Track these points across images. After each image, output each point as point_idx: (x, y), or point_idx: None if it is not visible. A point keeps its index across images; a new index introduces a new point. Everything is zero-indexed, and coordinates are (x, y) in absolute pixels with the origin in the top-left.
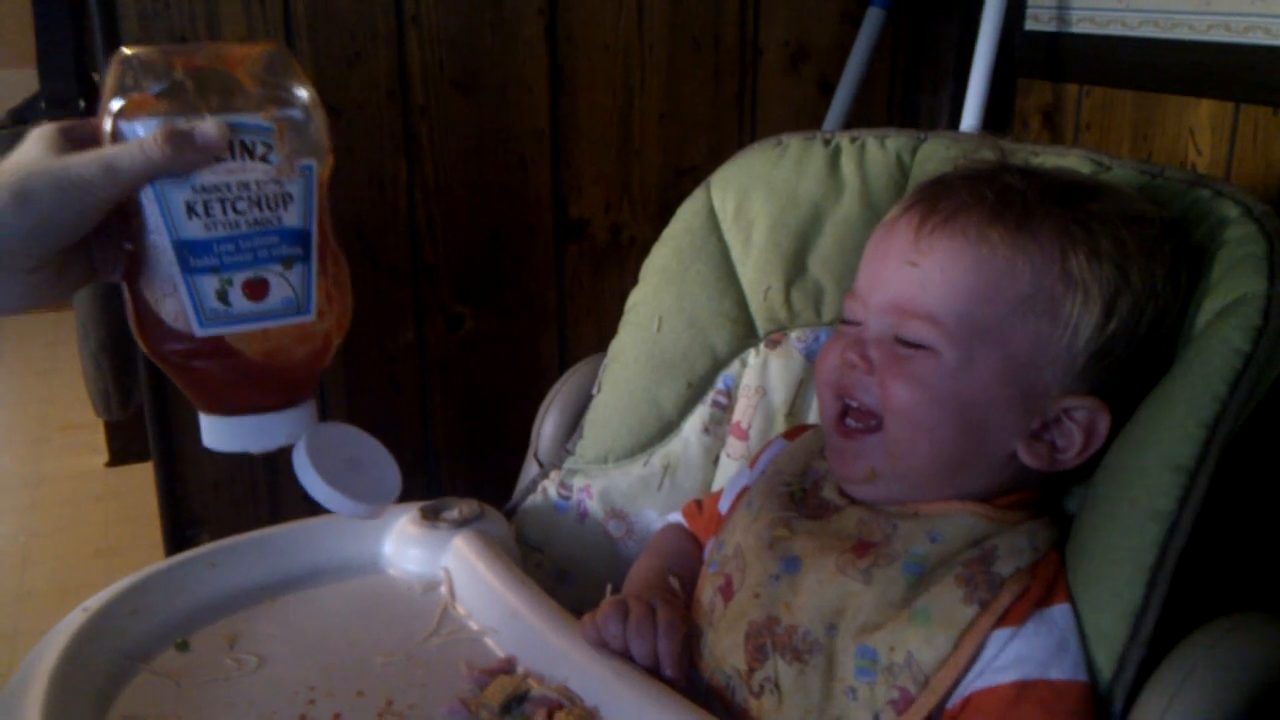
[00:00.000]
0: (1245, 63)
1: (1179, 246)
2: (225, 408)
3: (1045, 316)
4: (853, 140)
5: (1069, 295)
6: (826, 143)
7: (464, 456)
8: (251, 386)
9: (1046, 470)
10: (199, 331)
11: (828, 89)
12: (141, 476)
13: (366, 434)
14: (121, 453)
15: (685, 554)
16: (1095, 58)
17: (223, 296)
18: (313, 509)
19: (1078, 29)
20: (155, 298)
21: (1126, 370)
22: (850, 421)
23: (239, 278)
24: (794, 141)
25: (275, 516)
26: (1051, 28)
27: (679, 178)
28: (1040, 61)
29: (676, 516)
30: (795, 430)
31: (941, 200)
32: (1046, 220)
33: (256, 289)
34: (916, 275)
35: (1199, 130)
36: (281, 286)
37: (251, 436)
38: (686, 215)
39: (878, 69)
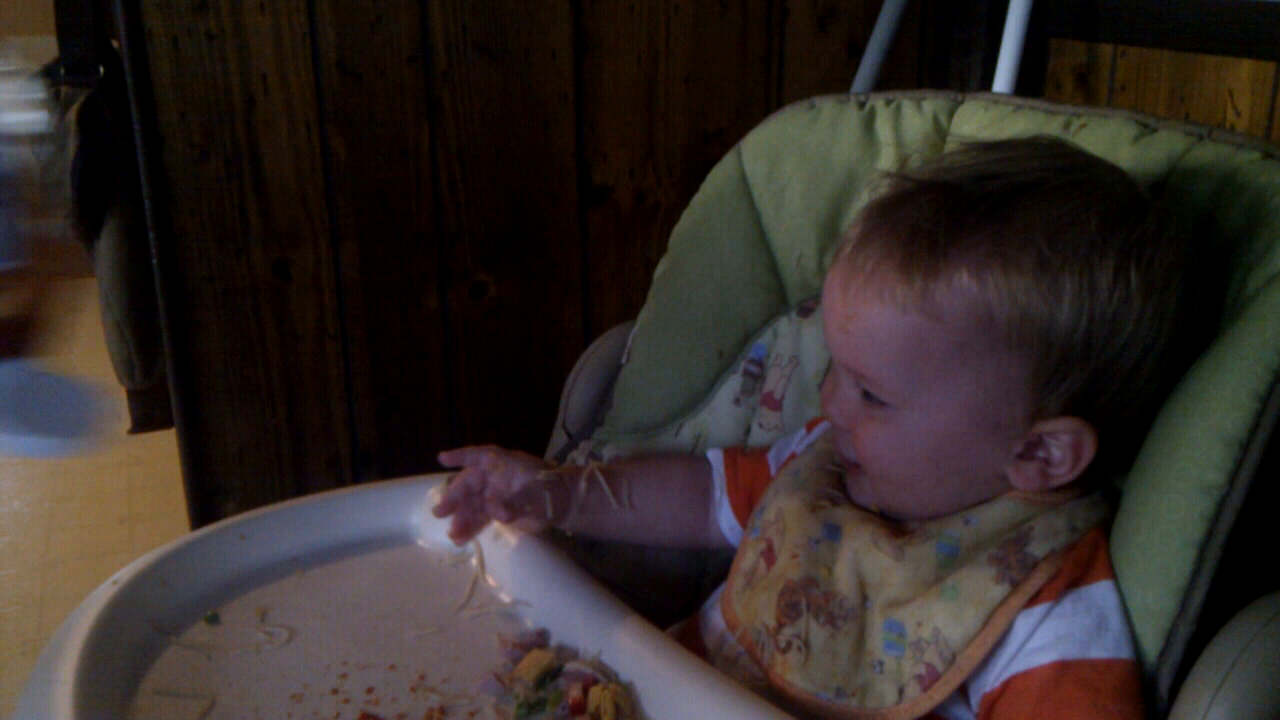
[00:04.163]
0: None
1: (1128, 239)
2: None
3: (985, 353)
4: (888, 103)
5: (1000, 327)
6: (861, 105)
7: (488, 425)
8: None
9: (1042, 488)
10: None
11: (856, 51)
12: (164, 443)
13: (65, 375)
14: (144, 419)
15: (658, 474)
16: (1131, 17)
17: None
18: (340, 478)
19: None
20: None
21: (1100, 383)
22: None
23: None
24: (827, 104)
25: (300, 485)
26: None
27: (705, 142)
28: (1074, 21)
29: (716, 453)
30: None
31: (861, 254)
32: (961, 260)
33: None
34: (851, 343)
35: (1238, 91)
36: None
37: None
38: (717, 181)
39: (907, 30)
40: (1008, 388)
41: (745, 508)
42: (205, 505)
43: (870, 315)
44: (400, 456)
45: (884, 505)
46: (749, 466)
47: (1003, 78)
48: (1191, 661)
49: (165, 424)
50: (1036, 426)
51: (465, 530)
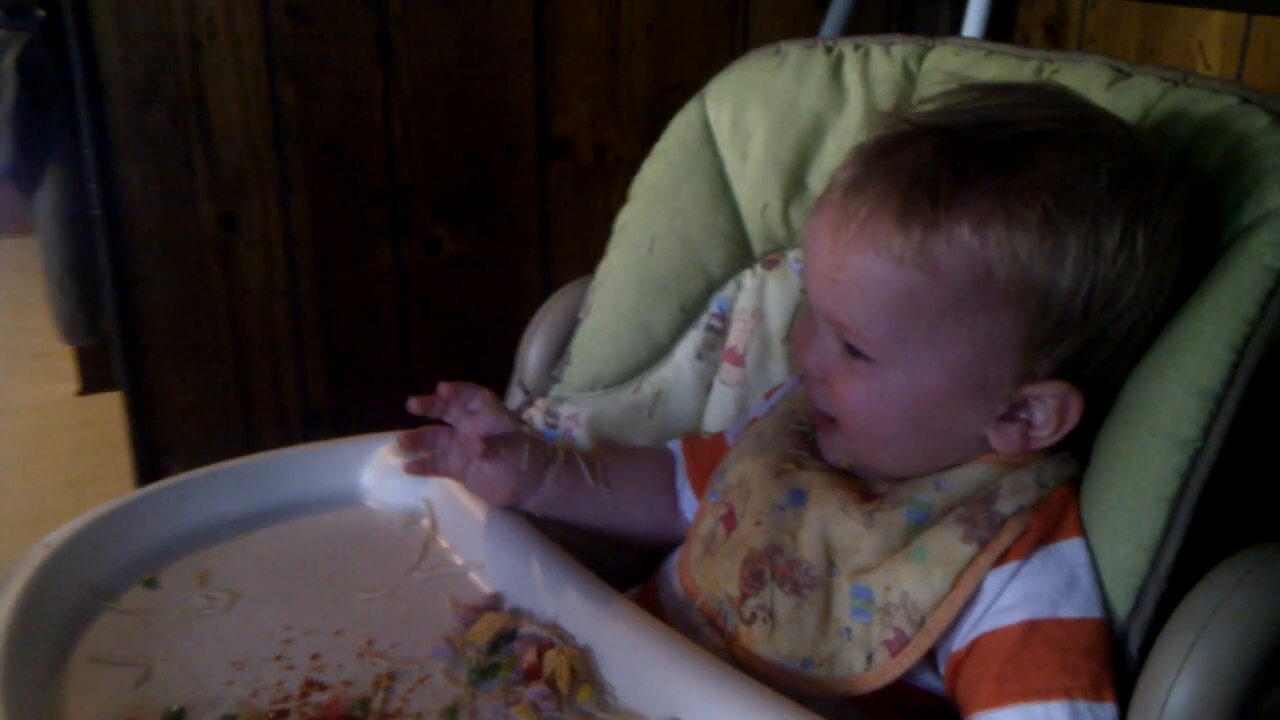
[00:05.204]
0: None
1: (1136, 200)
2: None
3: (979, 311)
4: (856, 48)
5: (998, 286)
6: (828, 50)
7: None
8: None
9: (1023, 451)
10: None
11: (823, 1)
12: (113, 405)
13: None
14: (94, 381)
15: (627, 455)
16: None
17: None
18: (290, 438)
19: None
20: None
21: (1091, 348)
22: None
23: None
24: (793, 50)
25: (249, 445)
26: None
27: (667, 93)
28: None
29: (675, 443)
30: None
31: (855, 200)
32: (962, 212)
33: None
34: (838, 293)
35: (1209, 44)
36: None
37: None
38: (679, 128)
39: None
40: (999, 348)
41: (705, 487)
42: (151, 466)
43: (862, 265)
44: (353, 415)
45: (856, 461)
46: (707, 449)
47: (971, 27)
48: (1163, 621)
49: (115, 385)
50: (1024, 389)
51: (423, 465)
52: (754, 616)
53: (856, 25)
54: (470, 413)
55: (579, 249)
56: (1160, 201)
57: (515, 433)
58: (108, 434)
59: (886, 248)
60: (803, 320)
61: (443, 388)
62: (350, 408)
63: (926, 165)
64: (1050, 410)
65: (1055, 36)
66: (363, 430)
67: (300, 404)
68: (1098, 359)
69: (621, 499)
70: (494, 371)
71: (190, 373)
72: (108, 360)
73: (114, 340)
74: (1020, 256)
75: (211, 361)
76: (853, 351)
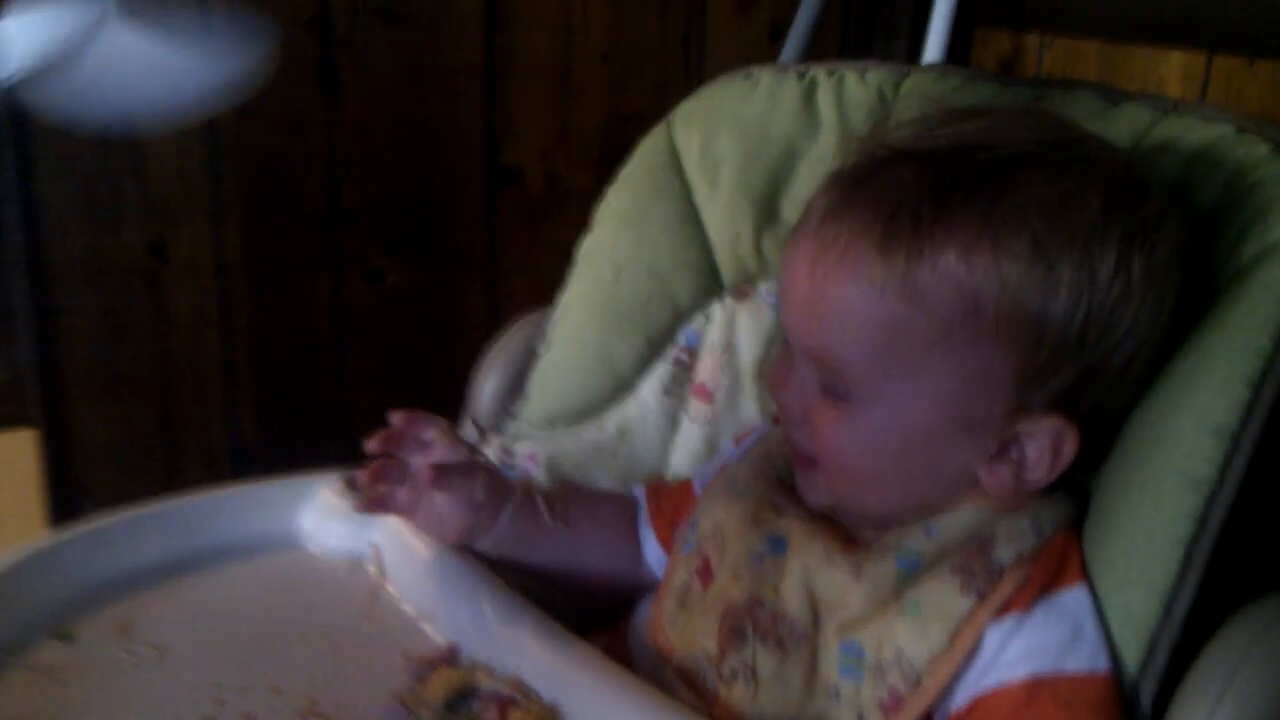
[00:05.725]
0: (1219, 11)
1: (1131, 224)
2: None
3: (968, 343)
4: (830, 73)
5: (987, 316)
6: (801, 76)
7: (384, 423)
8: None
9: (1016, 491)
10: None
11: (778, 34)
12: (23, 443)
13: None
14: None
15: (592, 500)
16: (1058, 5)
17: None
18: (217, 478)
19: None
20: None
21: (1088, 380)
22: (800, 450)
23: None
24: (765, 75)
25: (174, 485)
26: None
27: (621, 124)
28: (1000, 10)
29: (639, 490)
30: None
31: (832, 227)
32: (947, 240)
33: None
34: (818, 327)
35: (1169, 81)
36: None
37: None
38: (645, 154)
39: (829, 17)
40: (989, 382)
41: (670, 534)
42: (66, 507)
43: (842, 298)
44: (285, 456)
45: (839, 504)
46: (672, 495)
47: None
48: (1177, 671)
49: (17, 422)
50: (1016, 424)
51: (372, 503)
52: (735, 675)
53: (810, 59)
54: (423, 443)
55: (528, 283)
56: (1155, 225)
57: (470, 463)
58: (16, 473)
59: (868, 278)
60: (779, 355)
61: (395, 417)
62: (283, 447)
63: (908, 192)
64: (1044, 447)
65: (1012, 75)
66: (295, 471)
67: (229, 442)
68: (1094, 391)
69: (580, 540)
70: (438, 410)
71: (112, 408)
72: (18, 395)
73: (29, 373)
74: (1010, 285)
75: (135, 396)
76: (832, 388)
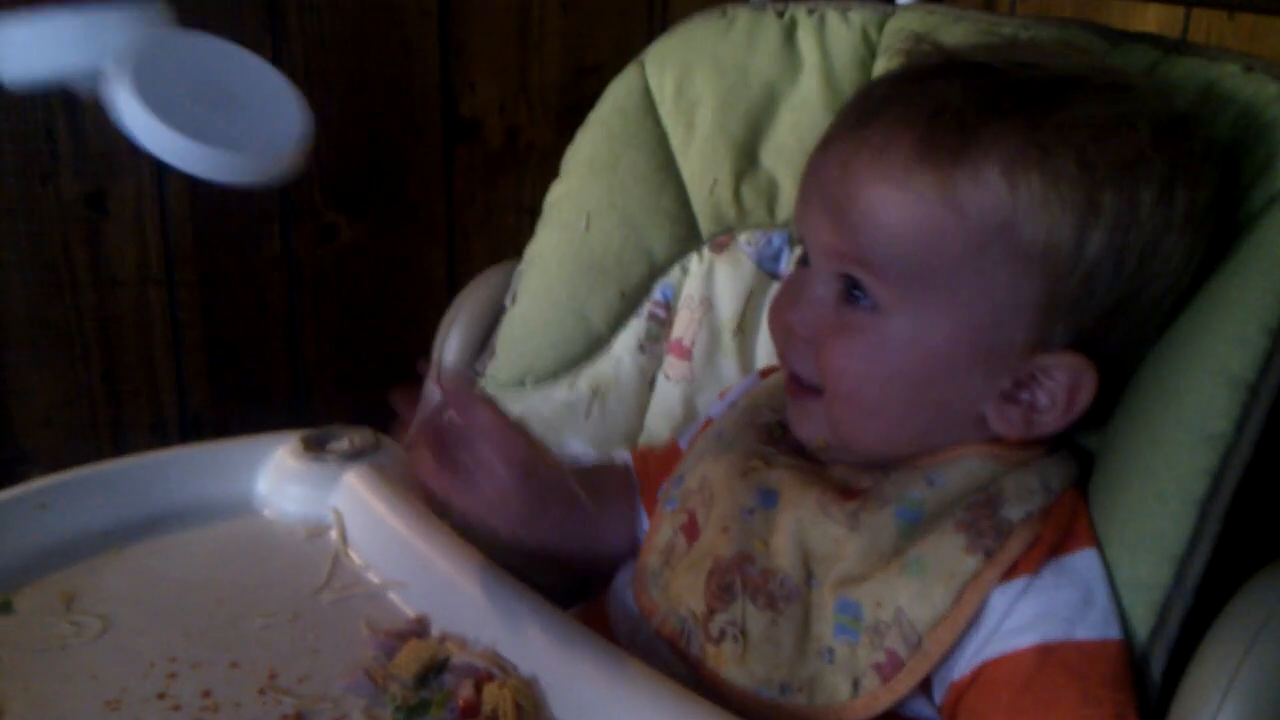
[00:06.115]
0: None
1: (1177, 155)
2: None
3: (1001, 262)
4: (810, 12)
5: (1024, 234)
6: (780, 15)
7: (338, 385)
8: None
9: (1024, 436)
10: None
11: None
12: None
13: (243, 51)
14: None
15: (599, 475)
16: None
17: None
18: (165, 444)
19: None
20: None
21: (1116, 317)
22: (800, 380)
23: None
24: (741, 13)
25: (119, 452)
26: None
27: (581, 77)
28: None
29: (624, 455)
30: (771, 369)
31: (869, 127)
32: (991, 146)
33: None
34: (849, 224)
35: None
36: None
37: (58, 48)
38: (617, 95)
39: None
40: (1016, 308)
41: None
42: (5, 475)
43: (878, 197)
44: (236, 420)
45: (835, 437)
46: (659, 458)
47: None
48: (1189, 640)
49: None
50: (1035, 358)
51: (436, 471)
52: (723, 634)
53: None
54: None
55: (487, 241)
56: (1200, 161)
57: (532, 440)
58: None
59: (907, 178)
60: (786, 279)
61: (446, 379)
62: (233, 410)
63: (954, 95)
64: (1060, 388)
65: (991, 9)
66: (245, 435)
67: (178, 406)
68: (1118, 331)
69: (604, 523)
70: (394, 371)
71: (51, 370)
72: None
73: None
74: (1051, 204)
75: (76, 358)
76: (853, 301)
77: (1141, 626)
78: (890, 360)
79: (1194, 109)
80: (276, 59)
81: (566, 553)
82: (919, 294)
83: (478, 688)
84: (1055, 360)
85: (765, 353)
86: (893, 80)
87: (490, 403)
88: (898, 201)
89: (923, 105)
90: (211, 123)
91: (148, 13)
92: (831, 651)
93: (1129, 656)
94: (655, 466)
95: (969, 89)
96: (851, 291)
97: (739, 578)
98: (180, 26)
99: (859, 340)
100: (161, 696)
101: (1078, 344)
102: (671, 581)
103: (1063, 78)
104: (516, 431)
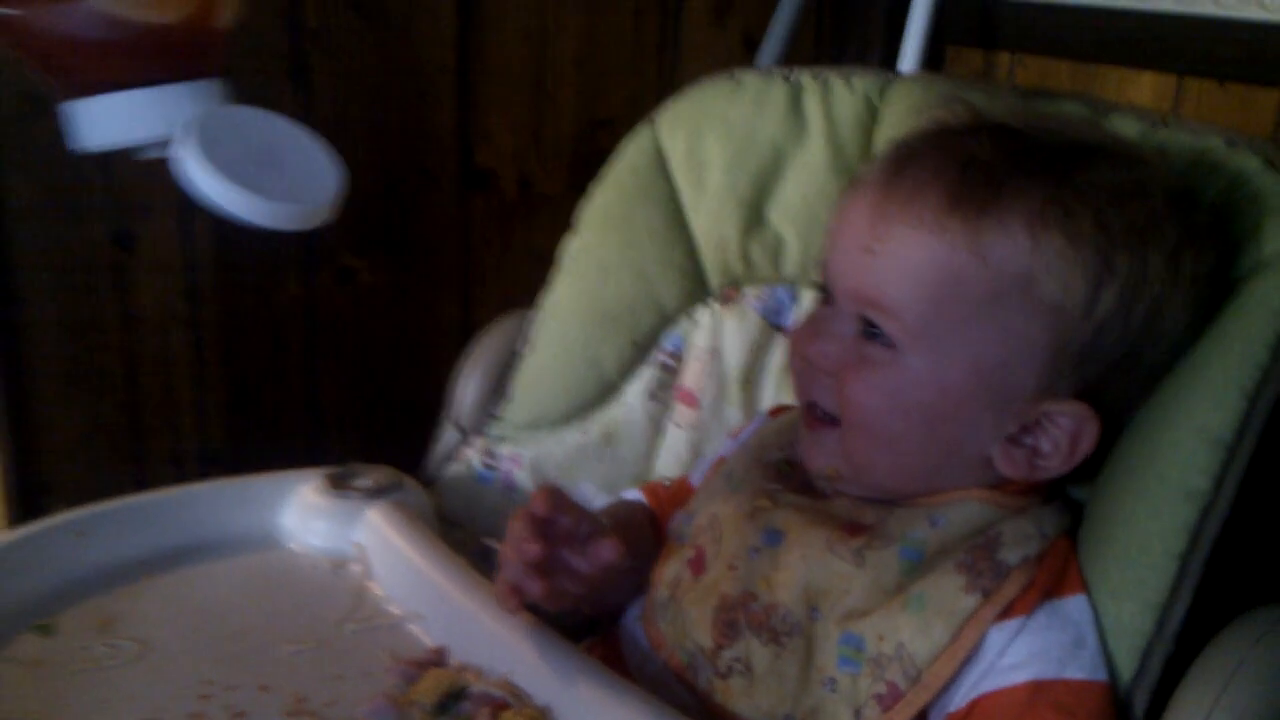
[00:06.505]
0: (1190, 33)
1: (1186, 224)
2: (99, 82)
3: (1018, 312)
4: (815, 78)
5: (1042, 287)
6: (786, 79)
7: (352, 425)
8: (126, 52)
9: (1027, 479)
10: None
11: (752, 45)
12: None
13: (286, 119)
14: None
15: (635, 524)
16: (1031, 25)
17: None
18: (183, 478)
19: None
20: None
21: (1119, 371)
22: (817, 411)
23: None
24: (750, 77)
25: (139, 485)
26: None
27: (594, 129)
28: (972, 28)
29: (635, 493)
30: (779, 409)
31: (902, 175)
32: (1016, 201)
33: None
34: (875, 265)
35: (1140, 102)
36: None
37: (131, 121)
38: (630, 155)
39: (802, 31)
40: (1029, 354)
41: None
42: (28, 505)
43: (907, 238)
44: (253, 456)
45: (847, 468)
46: (669, 492)
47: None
48: (1169, 684)
49: None
50: (1042, 404)
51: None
52: (730, 669)
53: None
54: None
55: (500, 287)
56: (1206, 229)
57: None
58: None
59: (936, 223)
60: (808, 316)
61: (539, 505)
62: (250, 447)
63: (984, 150)
64: (1063, 435)
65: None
66: (261, 471)
67: (197, 441)
68: (1120, 386)
69: (637, 572)
70: (407, 412)
71: (76, 404)
72: None
73: None
74: (1069, 260)
75: (100, 392)
76: (873, 338)
77: (1125, 670)
78: (906, 395)
79: (1189, 179)
80: (302, 110)
81: (611, 607)
82: (938, 335)
83: (494, 715)
84: (1061, 408)
85: (770, 403)
86: (926, 135)
87: (580, 510)
88: (926, 244)
89: (955, 157)
90: (263, 179)
91: (208, 89)
92: (834, 681)
93: (1114, 698)
94: (665, 500)
95: (998, 147)
96: (870, 329)
97: (743, 615)
98: (233, 100)
99: (877, 374)
100: (196, 716)
101: (1082, 394)
102: (678, 615)
103: (1084, 143)
104: (609, 535)
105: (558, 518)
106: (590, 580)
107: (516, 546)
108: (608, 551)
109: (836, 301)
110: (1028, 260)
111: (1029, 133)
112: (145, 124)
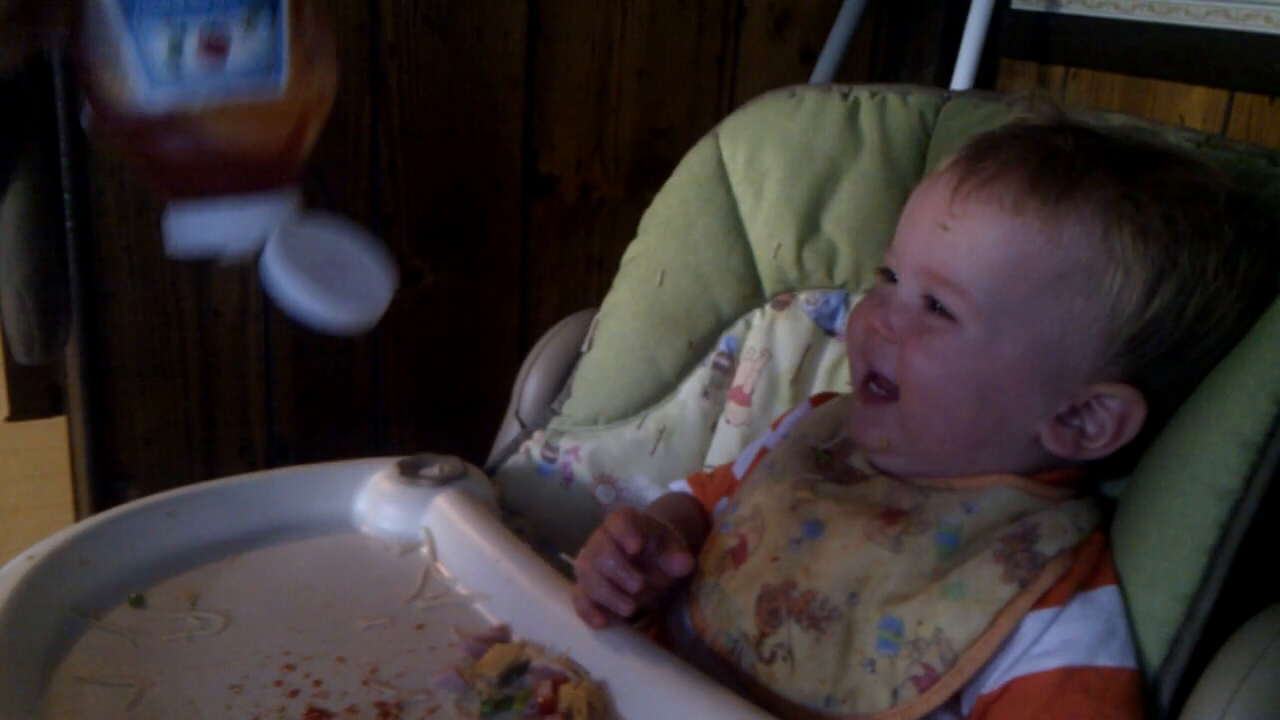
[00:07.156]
0: (1242, 49)
1: (1244, 228)
2: (191, 194)
3: (1080, 295)
4: (872, 95)
5: (1107, 274)
6: (844, 96)
7: (413, 419)
8: (218, 170)
9: (1071, 458)
10: (148, 99)
11: (809, 57)
12: (45, 432)
13: (347, 231)
14: (23, 407)
15: (688, 518)
16: (1084, 39)
17: (175, 52)
18: (253, 467)
19: (1067, 9)
20: (99, 64)
21: (1168, 361)
22: (874, 387)
23: (193, 31)
24: (809, 93)
25: (210, 473)
26: (1039, 7)
27: (654, 138)
28: (1026, 42)
29: (681, 484)
30: (822, 397)
31: (984, 160)
32: (1093, 191)
33: (215, 47)
34: (947, 240)
35: (1190, 117)
36: (246, 44)
37: (220, 230)
38: (693, 164)
39: (859, 43)
40: (1086, 336)
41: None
42: (106, 492)
43: (983, 215)
44: (319, 447)
45: (905, 433)
46: (714, 481)
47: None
48: (1197, 672)
49: (45, 412)
50: (1094, 387)
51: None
52: (774, 656)
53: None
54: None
55: (557, 289)
56: (1263, 235)
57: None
58: (40, 461)
59: (1014, 204)
60: (869, 291)
61: (619, 533)
62: (317, 438)
63: (1065, 144)
64: (1111, 417)
65: None
66: (327, 461)
67: (266, 432)
68: (1167, 375)
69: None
70: (466, 407)
71: (154, 395)
72: (39, 386)
73: (75, 359)
74: (1135, 252)
75: (176, 385)
76: (937, 310)
77: (1154, 657)
78: (963, 363)
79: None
80: (375, 116)
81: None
82: (1001, 310)
83: (555, 688)
84: (1111, 390)
85: None
86: (1009, 129)
87: (651, 525)
88: (1001, 222)
89: (1037, 148)
90: (334, 286)
91: (289, 198)
92: (873, 663)
93: (1142, 685)
94: (710, 490)
95: (1079, 143)
96: (934, 304)
97: (785, 603)
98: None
99: (939, 343)
100: (278, 684)
101: (1131, 381)
102: (722, 602)
103: (1154, 147)
104: (680, 548)
105: (647, 545)
106: (662, 589)
107: (613, 575)
108: (680, 565)
109: (901, 280)
110: (1097, 247)
111: (1105, 134)
112: (233, 234)
